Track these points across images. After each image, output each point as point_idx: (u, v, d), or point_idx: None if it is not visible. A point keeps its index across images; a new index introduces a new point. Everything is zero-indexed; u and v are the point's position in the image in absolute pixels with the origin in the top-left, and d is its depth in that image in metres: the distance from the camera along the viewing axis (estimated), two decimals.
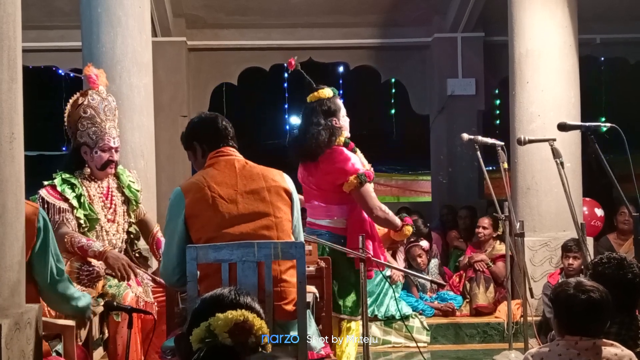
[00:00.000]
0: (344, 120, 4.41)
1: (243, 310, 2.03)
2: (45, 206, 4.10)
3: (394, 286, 5.14)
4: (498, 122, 11.34)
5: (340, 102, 4.44)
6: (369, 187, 4.28)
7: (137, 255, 4.55)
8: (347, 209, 4.36)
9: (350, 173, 4.23)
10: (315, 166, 4.37)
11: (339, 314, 4.33)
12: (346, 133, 4.43)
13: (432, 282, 5.91)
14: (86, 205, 4.20)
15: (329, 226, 4.41)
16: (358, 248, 3.98)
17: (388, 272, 5.85)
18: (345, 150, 4.33)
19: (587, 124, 3.98)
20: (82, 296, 3.45)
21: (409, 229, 4.45)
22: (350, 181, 4.23)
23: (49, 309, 3.73)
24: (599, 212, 7.83)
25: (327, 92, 4.43)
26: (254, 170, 3.30)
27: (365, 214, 4.35)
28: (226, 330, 1.98)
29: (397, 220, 4.42)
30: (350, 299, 4.39)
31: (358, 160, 4.33)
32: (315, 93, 4.45)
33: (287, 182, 3.34)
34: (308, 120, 4.37)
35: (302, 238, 3.42)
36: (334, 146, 4.32)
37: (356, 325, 4.44)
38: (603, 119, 11.51)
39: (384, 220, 4.37)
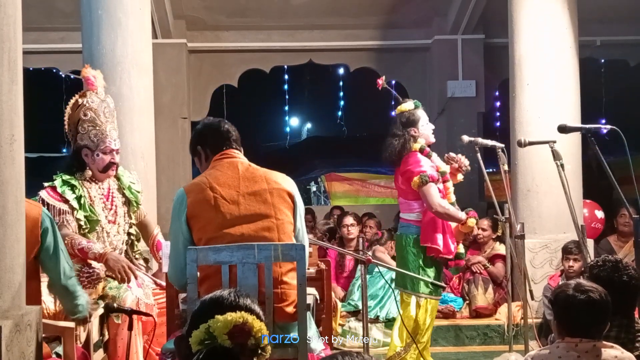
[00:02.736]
0: (423, 128, 4.92)
1: (242, 312, 2.02)
2: (46, 207, 4.09)
3: (396, 291, 5.18)
4: (498, 124, 11.34)
5: (420, 113, 4.96)
6: (432, 186, 4.74)
7: (137, 257, 4.55)
8: (420, 204, 4.84)
9: (416, 174, 4.74)
10: (398, 169, 4.93)
11: (418, 293, 4.85)
12: (424, 140, 4.91)
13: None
14: (87, 206, 4.20)
15: (410, 219, 4.91)
16: (430, 239, 4.73)
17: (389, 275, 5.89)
18: (418, 154, 4.84)
19: (587, 126, 3.98)
20: (82, 294, 3.46)
21: (472, 222, 4.87)
22: (414, 180, 4.74)
23: (48, 311, 3.74)
24: (600, 214, 7.83)
25: (408, 105, 4.97)
26: (257, 173, 3.30)
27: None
28: (225, 332, 1.97)
29: (460, 214, 4.84)
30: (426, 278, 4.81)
31: (428, 163, 4.83)
32: (399, 106, 5.00)
33: (290, 185, 3.33)
34: (390, 131, 4.96)
35: (306, 241, 3.41)
36: (410, 152, 4.84)
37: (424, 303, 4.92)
38: (603, 121, 11.52)
39: (444, 215, 4.79)
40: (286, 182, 3.33)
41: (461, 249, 5.14)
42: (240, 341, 1.98)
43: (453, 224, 4.92)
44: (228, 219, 3.16)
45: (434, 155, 4.96)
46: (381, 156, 5.05)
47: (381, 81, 5.10)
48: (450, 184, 4.96)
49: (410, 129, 4.87)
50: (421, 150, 4.86)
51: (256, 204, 3.21)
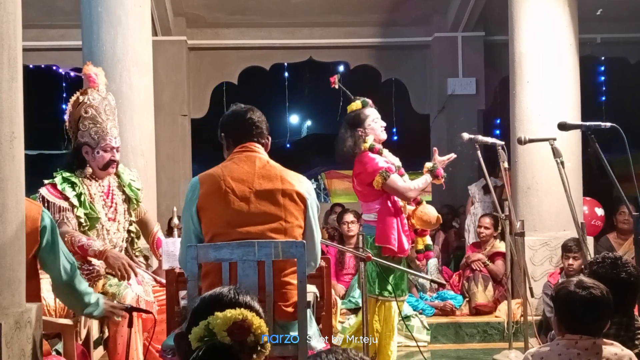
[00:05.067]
0: (370, 127, 4.86)
1: (242, 309, 2.02)
2: (46, 205, 4.09)
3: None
4: (498, 121, 11.34)
5: (368, 111, 4.90)
6: (394, 178, 4.73)
7: (137, 254, 4.55)
8: (377, 204, 4.81)
9: (375, 173, 4.71)
10: (353, 170, 4.92)
11: (378, 296, 4.78)
12: (372, 137, 4.83)
13: (432, 281, 5.91)
14: (87, 204, 4.19)
15: (369, 220, 4.89)
16: (385, 239, 4.68)
17: None
18: (370, 154, 4.81)
19: (587, 123, 3.98)
20: (92, 293, 3.44)
21: (431, 168, 4.89)
22: (376, 180, 4.71)
23: (48, 307, 3.74)
24: (599, 211, 7.82)
25: (355, 104, 4.96)
26: (273, 171, 3.26)
27: (398, 204, 4.83)
28: (225, 329, 1.97)
29: (425, 179, 4.87)
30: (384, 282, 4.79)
31: (381, 160, 4.79)
32: (349, 105, 4.99)
33: (304, 186, 3.28)
34: (339, 131, 4.98)
35: (318, 243, 3.35)
36: (361, 152, 4.82)
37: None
38: (603, 119, 11.51)
39: (419, 193, 4.88)
40: (301, 184, 3.27)
41: (428, 240, 5.19)
42: (240, 338, 1.98)
43: (420, 216, 4.95)
44: (236, 216, 3.15)
45: (385, 151, 4.93)
46: (333, 154, 5.06)
47: (334, 79, 5.05)
48: (406, 178, 4.92)
49: (357, 129, 4.84)
50: (371, 149, 4.82)
51: (267, 203, 3.18)
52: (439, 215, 5.07)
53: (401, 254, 4.76)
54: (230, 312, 2.00)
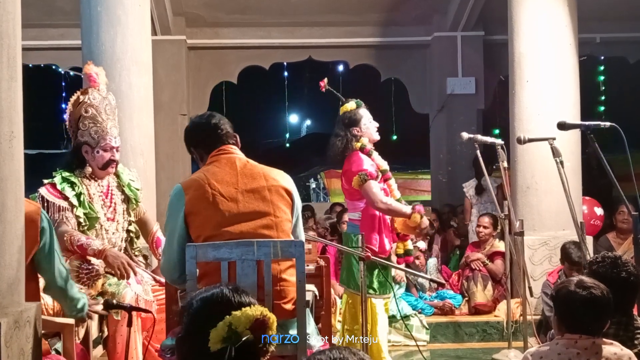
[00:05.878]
0: (366, 127, 4.95)
1: (257, 306, 2.06)
2: (45, 204, 4.10)
3: (396, 286, 5.20)
4: (498, 121, 11.34)
5: (363, 111, 5.01)
6: (372, 184, 4.73)
7: (136, 254, 4.55)
8: (363, 203, 4.85)
9: (355, 173, 4.75)
10: (342, 168, 5.00)
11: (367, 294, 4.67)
12: (368, 138, 4.93)
13: (432, 281, 5.92)
14: (86, 203, 4.19)
15: (354, 219, 4.94)
16: (367, 239, 4.62)
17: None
18: (360, 154, 4.87)
19: (586, 123, 3.98)
20: (81, 297, 3.46)
21: (416, 217, 4.78)
22: (355, 180, 4.75)
23: (47, 307, 3.74)
24: (599, 211, 7.83)
25: (350, 105, 5.04)
26: (255, 169, 3.29)
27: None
28: (248, 327, 2.00)
29: (404, 209, 4.80)
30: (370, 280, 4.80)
31: (368, 162, 4.84)
32: (342, 107, 5.07)
33: (288, 182, 3.33)
34: (333, 132, 5.03)
35: (302, 238, 3.41)
36: (352, 151, 4.89)
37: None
38: (603, 119, 11.52)
39: (386, 212, 4.82)
40: (284, 180, 3.32)
41: (409, 245, 5.20)
42: (262, 334, 2.01)
43: (403, 220, 4.90)
44: (227, 216, 3.16)
45: (375, 153, 4.99)
46: (325, 156, 5.14)
47: (323, 83, 5.17)
48: (392, 182, 4.98)
49: (352, 129, 4.91)
50: (362, 149, 4.89)
51: (255, 201, 3.20)
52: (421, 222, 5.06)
53: (382, 254, 4.79)
54: (249, 310, 2.03)
